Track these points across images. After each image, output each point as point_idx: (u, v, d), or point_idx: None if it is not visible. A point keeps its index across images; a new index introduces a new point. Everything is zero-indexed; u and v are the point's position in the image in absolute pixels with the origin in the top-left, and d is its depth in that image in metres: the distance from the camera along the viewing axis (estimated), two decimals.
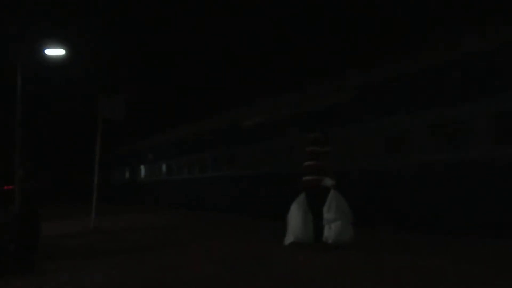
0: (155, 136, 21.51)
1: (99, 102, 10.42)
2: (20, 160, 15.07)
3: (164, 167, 19.44)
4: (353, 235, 6.36)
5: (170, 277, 5.01)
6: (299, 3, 26.09)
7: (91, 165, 11.83)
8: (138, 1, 34.76)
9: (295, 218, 6.57)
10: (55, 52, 15.79)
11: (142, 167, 22.18)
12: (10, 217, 6.13)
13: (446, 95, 7.67)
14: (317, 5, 22.34)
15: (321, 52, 20.20)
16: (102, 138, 10.74)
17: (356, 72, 9.91)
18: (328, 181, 6.50)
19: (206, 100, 25.03)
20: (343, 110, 9.85)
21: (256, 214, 12.06)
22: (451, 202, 7.45)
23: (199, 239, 8.12)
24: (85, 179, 30.42)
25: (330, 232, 6.27)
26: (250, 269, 5.27)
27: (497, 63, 7.01)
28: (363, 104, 9.33)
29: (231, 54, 26.58)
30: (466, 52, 7.47)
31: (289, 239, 6.63)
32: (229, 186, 13.92)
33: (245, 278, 4.82)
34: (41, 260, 6.10)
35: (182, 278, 4.94)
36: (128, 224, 11.42)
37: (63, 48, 15.81)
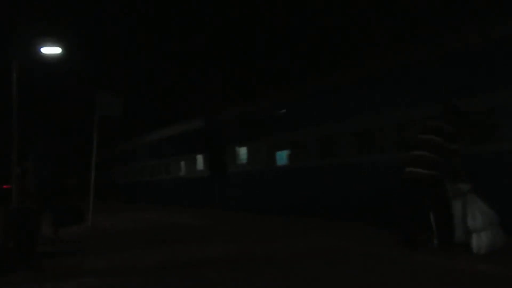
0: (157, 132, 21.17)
1: (96, 99, 10.37)
2: (17, 159, 14.96)
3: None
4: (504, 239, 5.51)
5: (171, 274, 5.00)
6: None
7: (88, 164, 11.74)
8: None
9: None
10: (51, 50, 15.68)
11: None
12: (9, 215, 6.11)
13: None
14: None
15: None
16: (99, 136, 10.71)
17: None
18: (465, 186, 5.51)
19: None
20: None
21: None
22: None
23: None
24: (84, 177, 30.21)
25: (480, 241, 5.32)
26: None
27: None
28: None
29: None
30: None
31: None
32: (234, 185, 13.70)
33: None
34: (40, 257, 6.08)
35: (184, 276, 4.94)
36: (127, 222, 11.39)
37: (60, 46, 15.69)
